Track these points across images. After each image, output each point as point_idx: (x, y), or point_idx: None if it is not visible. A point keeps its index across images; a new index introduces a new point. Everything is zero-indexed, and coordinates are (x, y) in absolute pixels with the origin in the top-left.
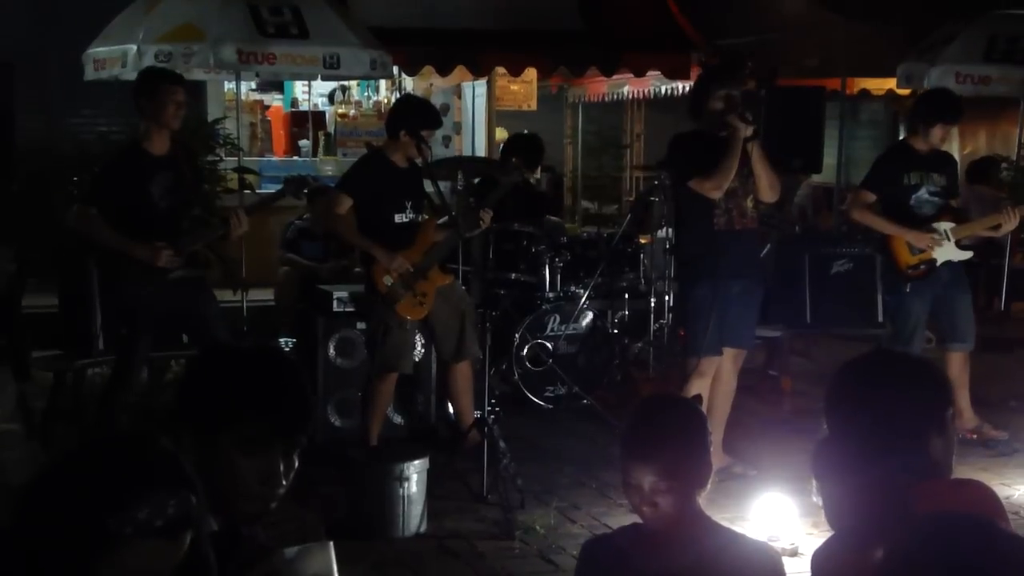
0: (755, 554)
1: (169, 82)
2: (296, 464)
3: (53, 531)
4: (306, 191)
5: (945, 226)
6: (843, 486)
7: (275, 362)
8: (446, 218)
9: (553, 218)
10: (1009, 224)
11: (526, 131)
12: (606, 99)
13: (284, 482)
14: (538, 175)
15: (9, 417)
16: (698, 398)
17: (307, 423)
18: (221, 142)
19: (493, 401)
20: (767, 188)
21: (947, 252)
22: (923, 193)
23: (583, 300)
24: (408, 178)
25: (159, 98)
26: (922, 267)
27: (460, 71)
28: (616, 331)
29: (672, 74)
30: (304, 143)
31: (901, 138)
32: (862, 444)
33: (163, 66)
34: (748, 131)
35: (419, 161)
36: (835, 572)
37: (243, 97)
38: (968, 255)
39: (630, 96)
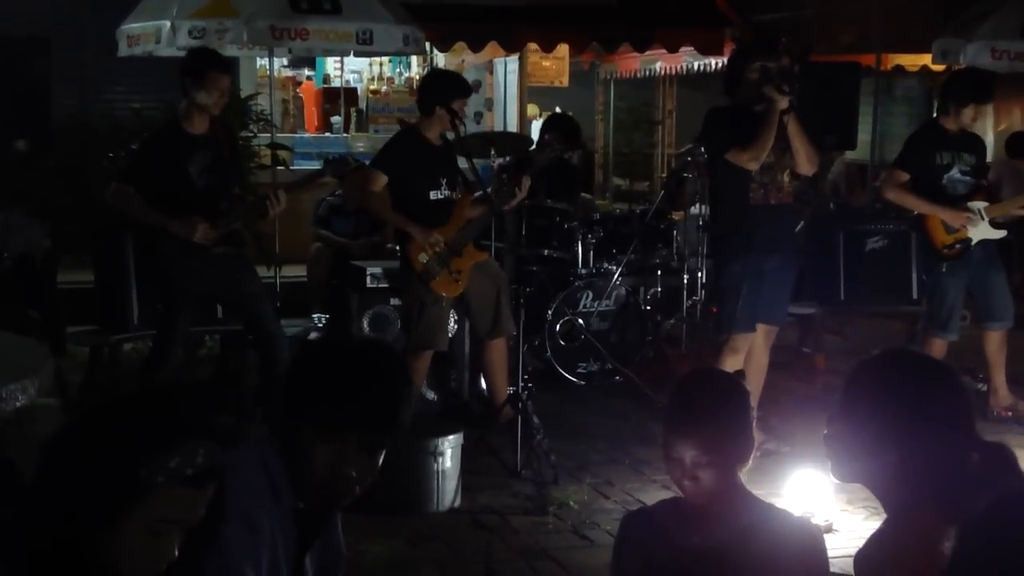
0: (796, 529)
1: (218, 70)
2: (377, 466)
3: (84, 479)
4: (344, 172)
5: (979, 205)
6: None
7: (375, 360)
8: (480, 194)
9: (585, 195)
10: None
11: (559, 110)
12: (638, 75)
13: (355, 475)
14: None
15: (46, 392)
16: (740, 374)
17: (391, 425)
18: (254, 118)
19: (526, 377)
20: (805, 161)
21: (982, 231)
22: (955, 173)
23: (616, 276)
24: (442, 155)
25: (205, 85)
26: (958, 246)
27: (492, 47)
28: (649, 308)
29: (705, 50)
30: (336, 119)
31: (932, 118)
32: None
33: (201, 44)
34: (784, 103)
35: (452, 136)
36: (883, 570)
37: (275, 73)
38: (1002, 233)
39: (662, 72)
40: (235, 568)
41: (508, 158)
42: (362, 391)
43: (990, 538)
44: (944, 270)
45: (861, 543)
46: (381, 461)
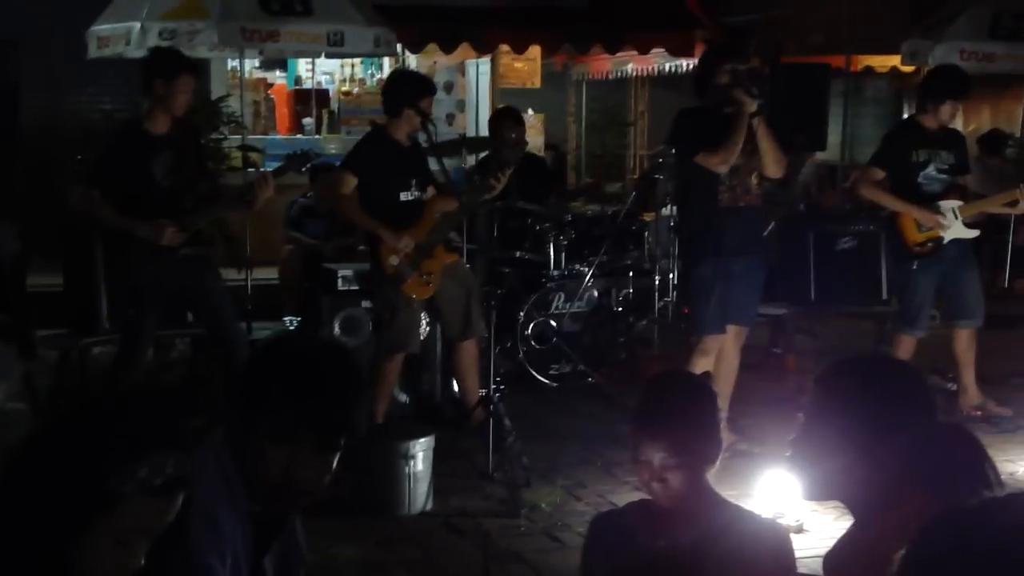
0: (763, 531)
1: (187, 73)
2: (331, 469)
3: (52, 488)
4: (306, 168)
5: (952, 204)
6: (838, 465)
7: (328, 362)
8: (451, 196)
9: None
10: (1022, 205)
11: (531, 112)
12: (610, 77)
13: (308, 478)
14: (542, 152)
15: (15, 396)
16: (707, 375)
17: (344, 428)
18: (225, 120)
19: (498, 379)
20: (773, 163)
21: (954, 230)
22: (931, 170)
23: (587, 278)
24: (411, 156)
25: (174, 87)
26: (929, 244)
27: (464, 49)
28: (620, 309)
29: (676, 52)
30: (308, 121)
31: (910, 115)
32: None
33: (171, 46)
34: (754, 106)
35: (423, 137)
36: (852, 570)
37: (247, 75)
38: (975, 233)
39: (634, 74)
40: (201, 563)
41: (479, 156)
42: (314, 393)
43: (940, 547)
44: (915, 267)
45: (832, 543)
46: (335, 464)
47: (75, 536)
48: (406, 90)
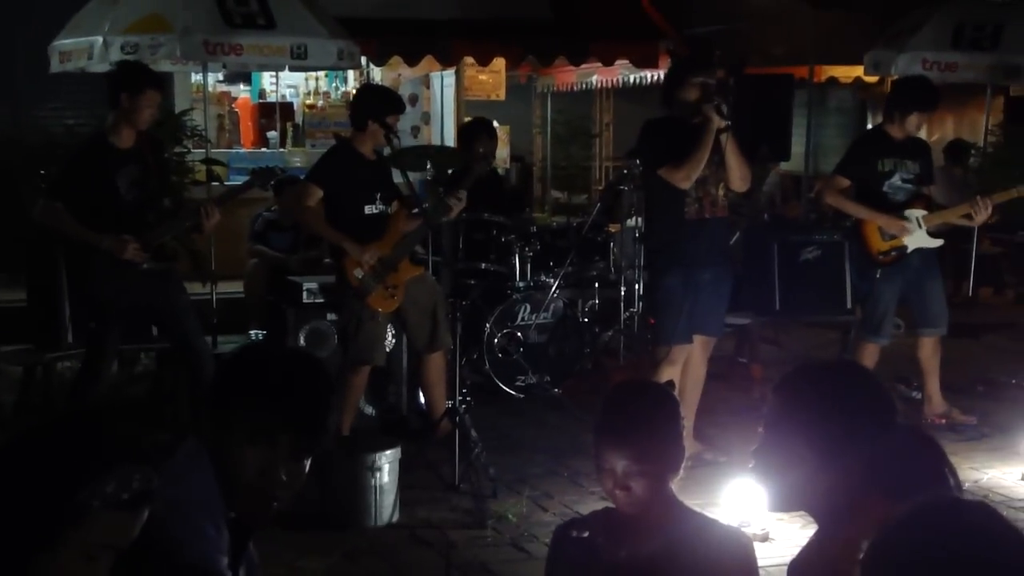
0: (727, 539)
1: (153, 87)
2: (305, 473)
3: (18, 503)
4: (273, 182)
5: (917, 213)
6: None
7: (304, 365)
8: (416, 210)
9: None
10: (981, 215)
11: (496, 124)
12: (575, 88)
13: (285, 480)
14: (507, 164)
15: None
16: (671, 384)
17: (318, 430)
18: (189, 134)
19: (464, 391)
20: (738, 178)
21: (918, 239)
22: (896, 180)
23: (553, 289)
24: (376, 169)
25: (139, 101)
26: (893, 253)
27: (428, 61)
28: (586, 320)
29: (640, 63)
30: (272, 134)
31: (877, 124)
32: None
33: (134, 59)
34: (722, 124)
35: (387, 150)
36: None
37: (210, 89)
38: (939, 243)
39: (599, 85)
40: (211, 559)
41: (447, 170)
42: (289, 392)
43: (898, 548)
44: (879, 276)
45: (797, 551)
46: (308, 468)
47: (41, 550)
48: (373, 104)
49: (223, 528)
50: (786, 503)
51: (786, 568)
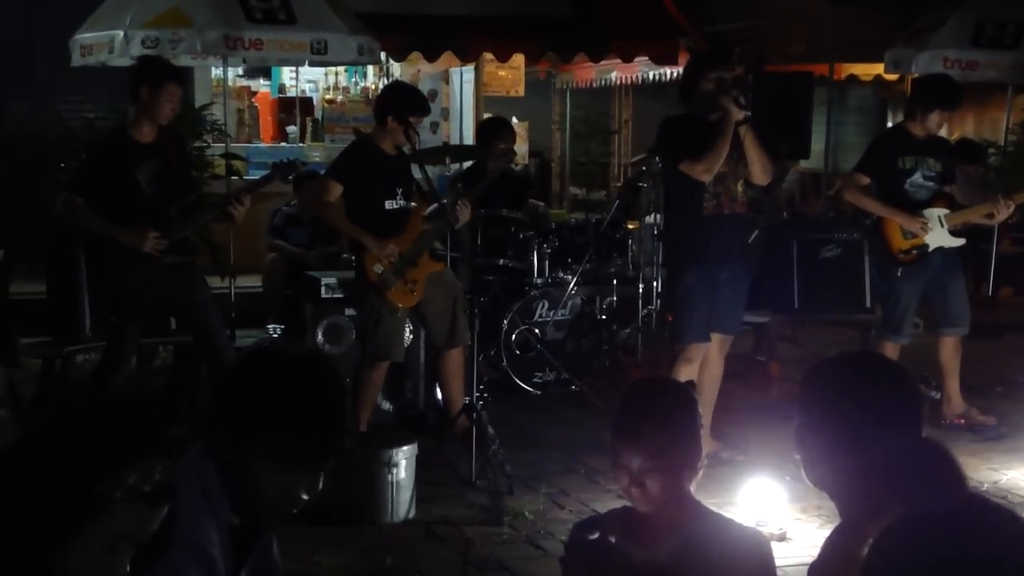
0: (744, 539)
1: (173, 81)
2: (321, 483)
3: (39, 495)
4: (292, 177)
5: (938, 212)
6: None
7: (320, 378)
8: (435, 206)
9: (538, 202)
10: (1002, 214)
11: (515, 120)
12: (594, 85)
13: (305, 497)
14: (526, 160)
15: None
16: (691, 384)
17: (337, 443)
18: (208, 128)
19: (481, 387)
20: (760, 171)
21: (939, 238)
22: (918, 178)
23: (571, 286)
24: (397, 165)
25: (159, 96)
26: (914, 252)
27: (448, 57)
28: (604, 317)
29: (660, 60)
30: (292, 129)
31: (898, 122)
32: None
33: (155, 54)
34: (740, 115)
35: (407, 148)
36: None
37: (230, 83)
38: (961, 242)
39: (618, 82)
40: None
41: (464, 165)
42: (306, 408)
43: (896, 551)
44: (900, 275)
45: (815, 551)
46: (324, 477)
47: (62, 542)
48: (398, 103)
49: (207, 538)
50: (816, 480)
51: (805, 568)
